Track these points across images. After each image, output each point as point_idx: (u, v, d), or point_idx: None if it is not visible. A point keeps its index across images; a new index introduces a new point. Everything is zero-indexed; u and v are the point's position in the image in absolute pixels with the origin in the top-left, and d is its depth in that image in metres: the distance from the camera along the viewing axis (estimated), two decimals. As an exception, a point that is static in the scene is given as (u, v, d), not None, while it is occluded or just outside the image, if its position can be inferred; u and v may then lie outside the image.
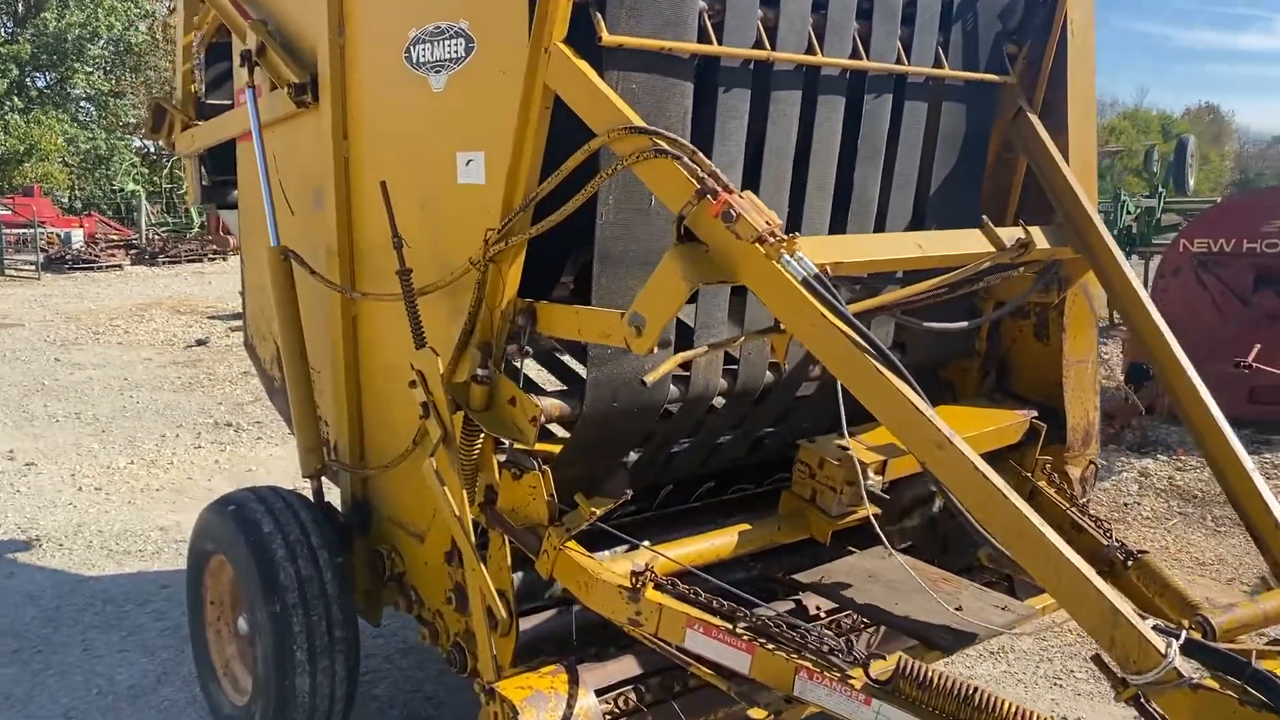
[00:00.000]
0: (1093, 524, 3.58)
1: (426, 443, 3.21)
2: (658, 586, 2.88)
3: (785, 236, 2.57)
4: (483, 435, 3.12)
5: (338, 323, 3.81)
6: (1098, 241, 3.64)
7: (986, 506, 2.47)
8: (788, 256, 2.56)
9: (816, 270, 2.59)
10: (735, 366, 3.45)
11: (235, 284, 8.41)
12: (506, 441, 3.14)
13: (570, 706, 3.00)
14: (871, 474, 3.37)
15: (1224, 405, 3.30)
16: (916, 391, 2.54)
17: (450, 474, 3.09)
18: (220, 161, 4.89)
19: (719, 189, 2.58)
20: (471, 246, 3.01)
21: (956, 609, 3.26)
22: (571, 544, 3.06)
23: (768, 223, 2.56)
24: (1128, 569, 3.40)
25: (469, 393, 3.10)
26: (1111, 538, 3.51)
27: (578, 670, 3.10)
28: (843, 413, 3.09)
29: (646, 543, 3.20)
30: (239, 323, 5.16)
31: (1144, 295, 3.55)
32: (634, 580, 2.89)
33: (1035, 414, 3.87)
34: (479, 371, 3.09)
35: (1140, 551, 3.44)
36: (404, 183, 3.32)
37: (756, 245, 2.55)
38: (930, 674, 2.48)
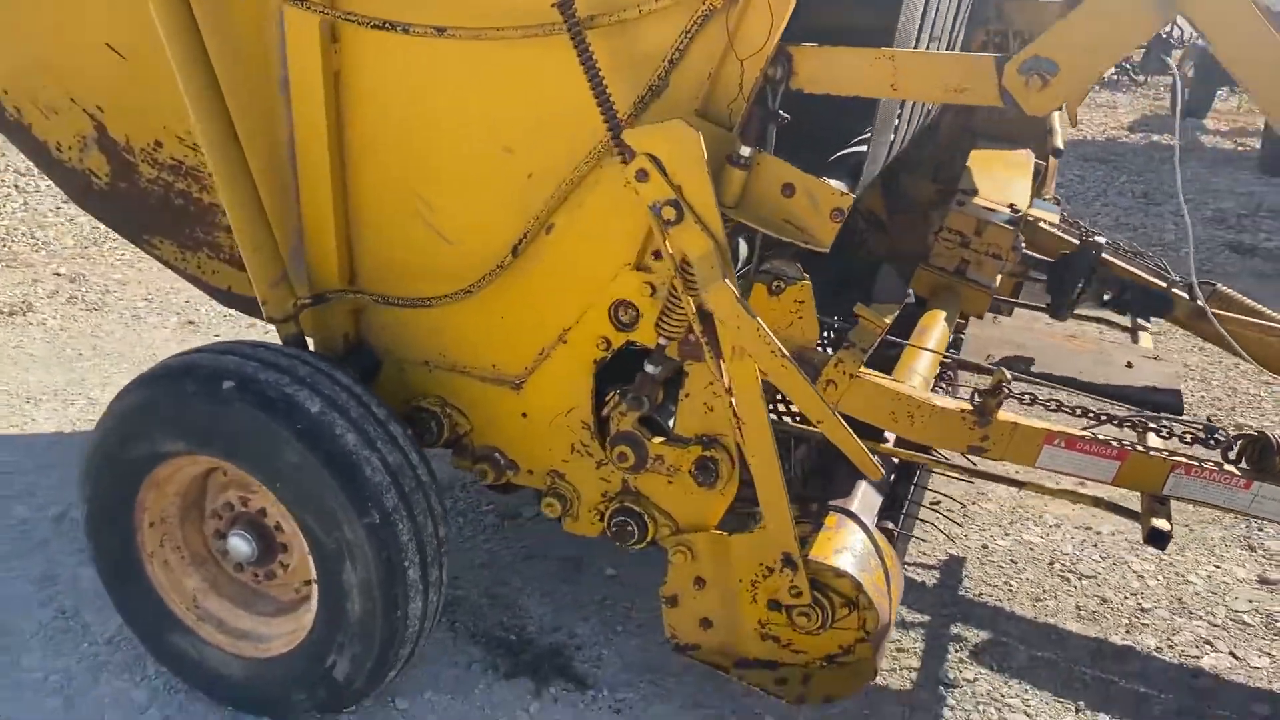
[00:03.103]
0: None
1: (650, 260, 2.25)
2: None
3: None
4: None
5: (312, 78, 2.48)
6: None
7: None
8: None
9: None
10: None
11: None
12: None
13: (878, 551, 2.45)
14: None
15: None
16: None
17: (725, 293, 2.18)
18: None
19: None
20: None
21: (1127, 365, 3.12)
22: (865, 368, 2.40)
23: None
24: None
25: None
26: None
27: (850, 511, 2.52)
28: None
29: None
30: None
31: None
32: (984, 402, 2.35)
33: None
34: (741, 151, 2.18)
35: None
36: None
37: None
38: None
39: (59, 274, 5.85)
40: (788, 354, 2.17)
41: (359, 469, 2.37)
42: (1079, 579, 3.42)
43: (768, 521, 2.36)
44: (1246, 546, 3.64)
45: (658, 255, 2.36)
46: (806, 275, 2.34)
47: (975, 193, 3.13)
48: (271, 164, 2.65)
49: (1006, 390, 2.35)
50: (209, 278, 2.96)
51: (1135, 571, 3.47)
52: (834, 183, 2.22)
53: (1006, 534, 3.63)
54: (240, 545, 2.58)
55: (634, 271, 2.40)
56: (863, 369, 2.42)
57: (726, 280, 2.14)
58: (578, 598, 3.23)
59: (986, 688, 2.90)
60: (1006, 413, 2.38)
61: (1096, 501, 2.64)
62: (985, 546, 3.55)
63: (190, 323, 5.28)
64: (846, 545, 2.41)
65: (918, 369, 2.61)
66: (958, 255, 3.04)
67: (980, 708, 2.82)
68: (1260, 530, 3.72)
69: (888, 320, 2.41)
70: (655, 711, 2.79)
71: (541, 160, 2.40)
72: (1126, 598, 3.34)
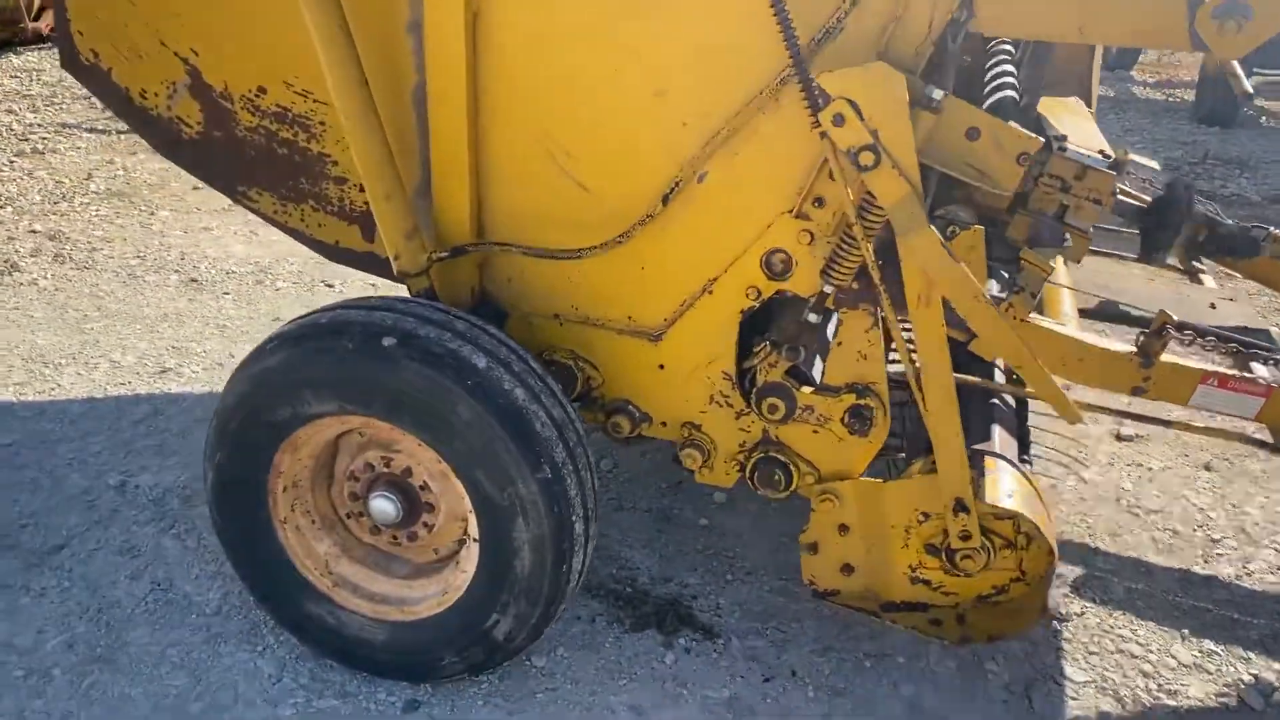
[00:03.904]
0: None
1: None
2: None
3: None
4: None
5: (452, 18, 2.38)
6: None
7: None
8: None
9: None
10: None
11: None
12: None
13: (1035, 491, 2.51)
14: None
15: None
16: None
17: (930, 239, 2.18)
18: None
19: None
20: None
21: (1211, 306, 3.23)
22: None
23: None
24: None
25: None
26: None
27: (1004, 455, 2.57)
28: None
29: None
30: None
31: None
32: (1148, 344, 2.41)
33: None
34: (933, 94, 2.17)
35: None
36: None
37: None
38: None
39: (35, 231, 5.54)
40: (989, 299, 2.19)
41: (530, 423, 2.31)
42: (1146, 514, 3.55)
43: (942, 467, 2.39)
44: (1286, 476, 3.83)
45: (818, 202, 2.34)
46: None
47: (1066, 138, 3.17)
48: (395, 112, 2.54)
49: (1171, 332, 2.41)
50: (314, 231, 2.83)
51: (1195, 505, 3.62)
52: (1019, 126, 2.23)
53: (1070, 472, 3.74)
54: (385, 507, 2.50)
55: (792, 219, 2.38)
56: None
57: (950, 230, 2.14)
58: (679, 548, 3.23)
59: (1095, 620, 3.00)
60: (1166, 354, 2.44)
61: (1243, 437, 2.74)
62: (1054, 486, 3.66)
63: (193, 280, 5.06)
64: (1010, 488, 2.46)
65: (1067, 311, 2.66)
66: (1057, 200, 3.08)
67: (1096, 640, 2.92)
68: (1297, 461, 3.91)
69: (1052, 265, 2.44)
70: (789, 658, 2.81)
71: (697, 105, 2.35)
72: (1195, 530, 3.48)
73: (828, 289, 2.38)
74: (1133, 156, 3.18)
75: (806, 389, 2.54)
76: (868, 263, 2.27)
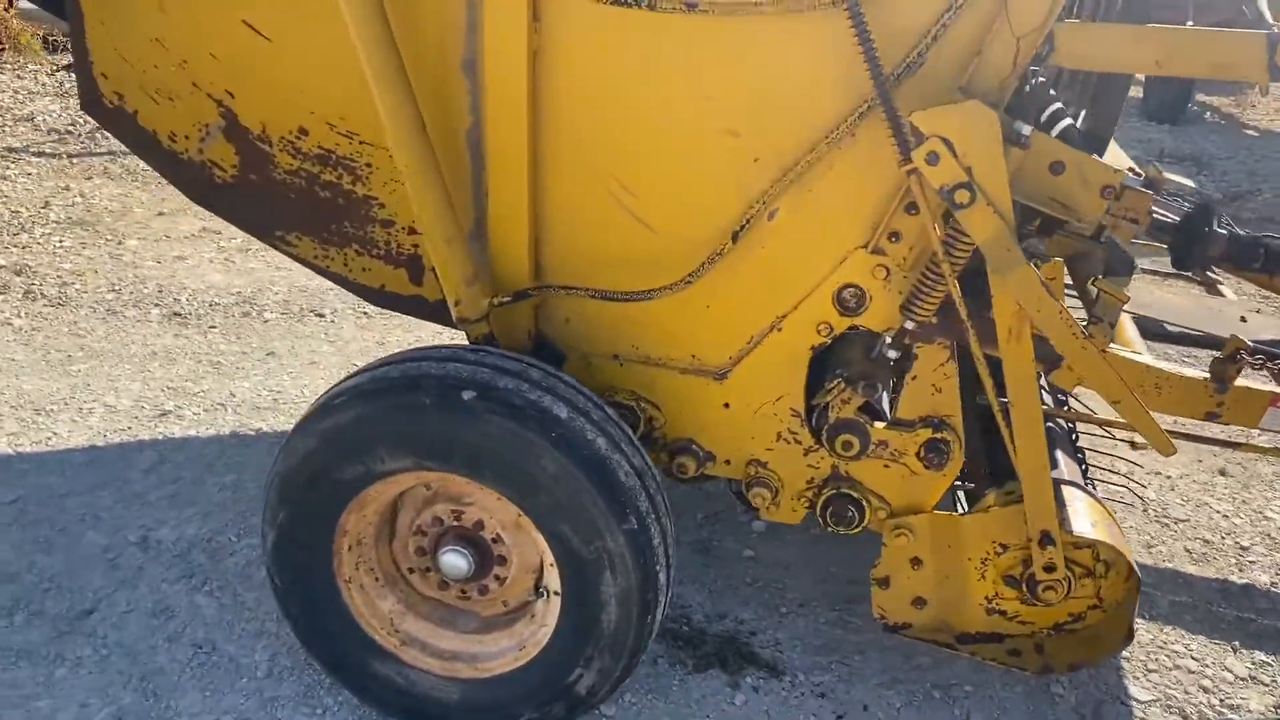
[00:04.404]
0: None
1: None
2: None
3: None
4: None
5: (513, 55, 2.31)
6: None
7: None
8: None
9: None
10: None
11: None
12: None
13: (1110, 516, 2.52)
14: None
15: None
16: None
17: (1029, 276, 2.16)
18: None
19: None
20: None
21: (1241, 320, 3.27)
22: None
23: None
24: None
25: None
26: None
27: (1077, 482, 2.57)
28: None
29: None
30: None
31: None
32: (1223, 369, 2.42)
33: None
34: (1022, 129, 2.16)
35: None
36: None
37: None
38: None
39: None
40: (1085, 334, 2.18)
41: (615, 474, 2.25)
42: (1175, 523, 3.60)
43: (1029, 500, 2.38)
44: (1298, 479, 3.92)
45: (894, 237, 2.32)
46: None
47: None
48: (448, 154, 2.46)
49: (1244, 357, 2.43)
50: (357, 275, 2.73)
51: (1218, 511, 3.68)
52: (1103, 160, 2.22)
53: (1094, 486, 3.77)
54: (457, 561, 2.42)
55: (866, 254, 2.35)
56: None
57: (1031, 263, 2.13)
58: (727, 581, 3.19)
59: (1148, 636, 3.03)
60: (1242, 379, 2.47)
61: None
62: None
63: (176, 314, 4.87)
64: (1091, 517, 2.46)
65: (1132, 337, 2.67)
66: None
67: (1153, 656, 2.95)
68: (1302, 463, 4.00)
69: (1127, 294, 2.45)
70: (857, 692, 2.79)
71: (770, 143, 2.31)
72: (1223, 537, 3.54)
73: (909, 324, 2.36)
74: (1167, 175, 3.22)
75: (879, 424, 2.52)
76: (955, 299, 2.25)
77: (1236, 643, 3.03)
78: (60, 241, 5.68)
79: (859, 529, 2.60)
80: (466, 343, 2.57)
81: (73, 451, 3.71)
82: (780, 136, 2.29)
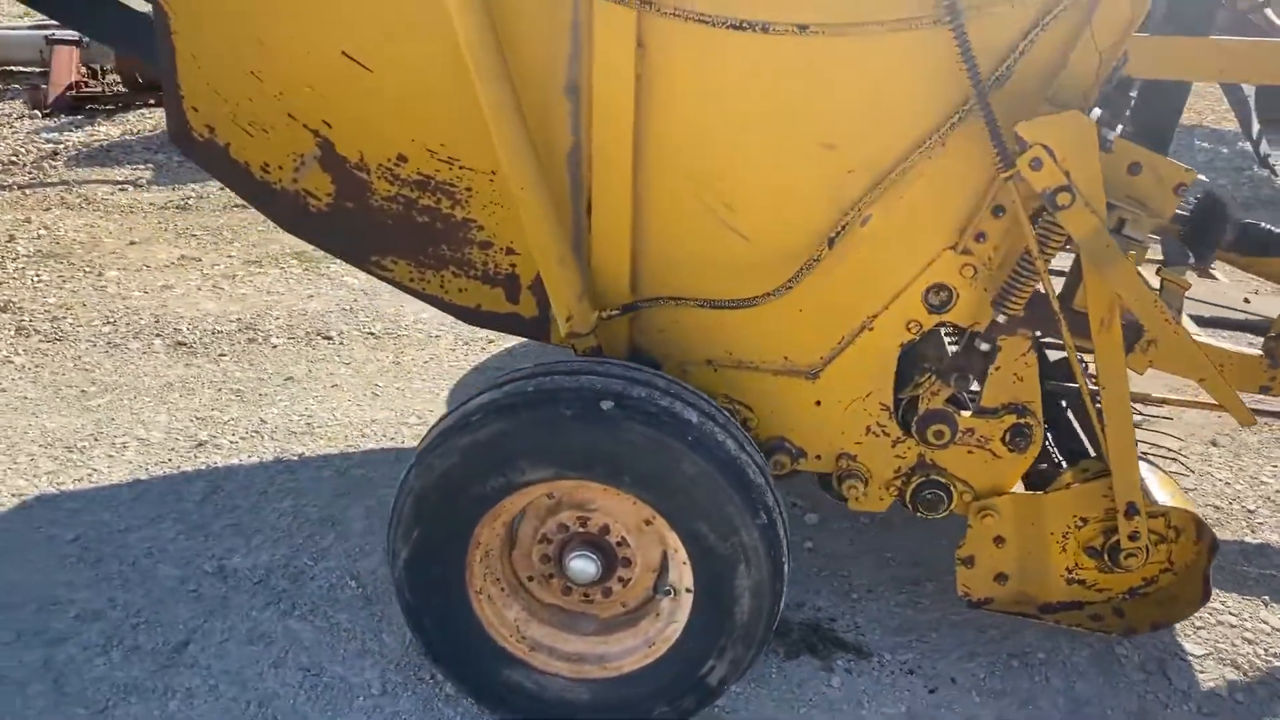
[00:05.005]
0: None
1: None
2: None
3: None
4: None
5: (621, 78, 2.43)
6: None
7: None
8: None
9: None
10: None
11: None
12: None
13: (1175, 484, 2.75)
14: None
15: None
16: None
17: (1127, 268, 2.35)
18: None
19: None
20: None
21: (1245, 300, 3.55)
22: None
23: None
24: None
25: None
26: None
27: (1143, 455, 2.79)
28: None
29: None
30: None
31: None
32: (1274, 347, 2.67)
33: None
34: (1108, 135, 2.38)
35: None
36: None
37: None
38: None
39: (-19, 304, 5.16)
40: (1177, 320, 2.39)
41: (745, 472, 2.38)
42: (1185, 492, 3.87)
43: (1117, 475, 2.58)
44: (1282, 445, 4.24)
45: (980, 237, 2.50)
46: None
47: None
48: (550, 176, 2.56)
49: (1295, 337, 2.68)
50: (453, 296, 2.80)
51: (1221, 479, 3.97)
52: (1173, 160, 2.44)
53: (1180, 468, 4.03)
54: (586, 566, 2.52)
55: (955, 254, 2.53)
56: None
57: (1129, 256, 2.32)
58: (795, 573, 3.32)
59: (1189, 597, 3.27)
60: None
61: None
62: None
63: (181, 344, 4.82)
64: (1165, 487, 2.67)
65: (1186, 322, 2.89)
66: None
67: (1199, 614, 3.18)
68: (1285, 430, 4.33)
69: (1188, 284, 2.67)
70: (942, 667, 2.96)
71: (865, 154, 2.47)
72: (1231, 503, 3.82)
73: (1000, 318, 2.54)
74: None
75: (965, 413, 2.70)
76: (1049, 292, 2.43)
77: (1266, 597, 3.29)
78: (37, 275, 5.56)
79: (946, 513, 2.78)
80: (573, 356, 2.67)
81: (118, 487, 3.67)
82: (876, 148, 2.45)
